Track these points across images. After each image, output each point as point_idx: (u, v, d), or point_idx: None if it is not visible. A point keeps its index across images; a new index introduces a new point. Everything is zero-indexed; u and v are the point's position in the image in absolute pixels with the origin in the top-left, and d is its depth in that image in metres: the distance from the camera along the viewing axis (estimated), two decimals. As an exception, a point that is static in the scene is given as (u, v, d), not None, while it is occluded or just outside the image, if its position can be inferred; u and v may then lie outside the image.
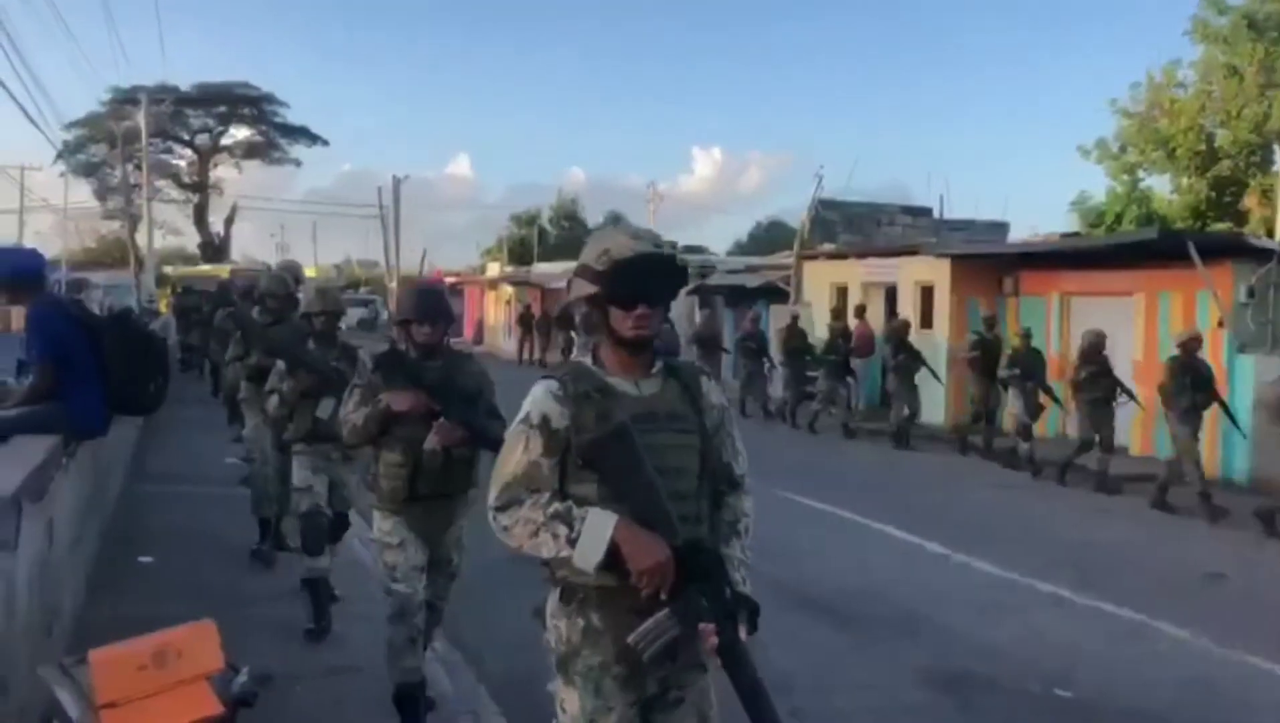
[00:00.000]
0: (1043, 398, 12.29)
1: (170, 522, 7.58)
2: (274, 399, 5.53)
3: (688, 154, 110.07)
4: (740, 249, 45.07)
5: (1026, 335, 12.59)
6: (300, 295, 6.88)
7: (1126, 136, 22.38)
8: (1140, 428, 12.77)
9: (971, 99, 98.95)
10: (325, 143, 53.33)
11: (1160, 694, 5.11)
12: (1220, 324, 11.91)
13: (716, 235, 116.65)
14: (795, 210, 22.85)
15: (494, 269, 41.32)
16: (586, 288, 2.35)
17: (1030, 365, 12.15)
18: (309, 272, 19.35)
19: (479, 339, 36.28)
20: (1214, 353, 11.37)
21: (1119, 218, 22.13)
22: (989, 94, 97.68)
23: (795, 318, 17.17)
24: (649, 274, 2.31)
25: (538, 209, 53.94)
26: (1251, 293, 12.14)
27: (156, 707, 3.04)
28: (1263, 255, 12.24)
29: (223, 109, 50.93)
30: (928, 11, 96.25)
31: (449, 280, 38.53)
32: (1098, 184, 24.03)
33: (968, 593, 6.91)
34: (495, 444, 2.71)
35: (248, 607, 5.45)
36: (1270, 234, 15.14)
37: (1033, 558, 7.70)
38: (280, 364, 5.57)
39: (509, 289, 35.22)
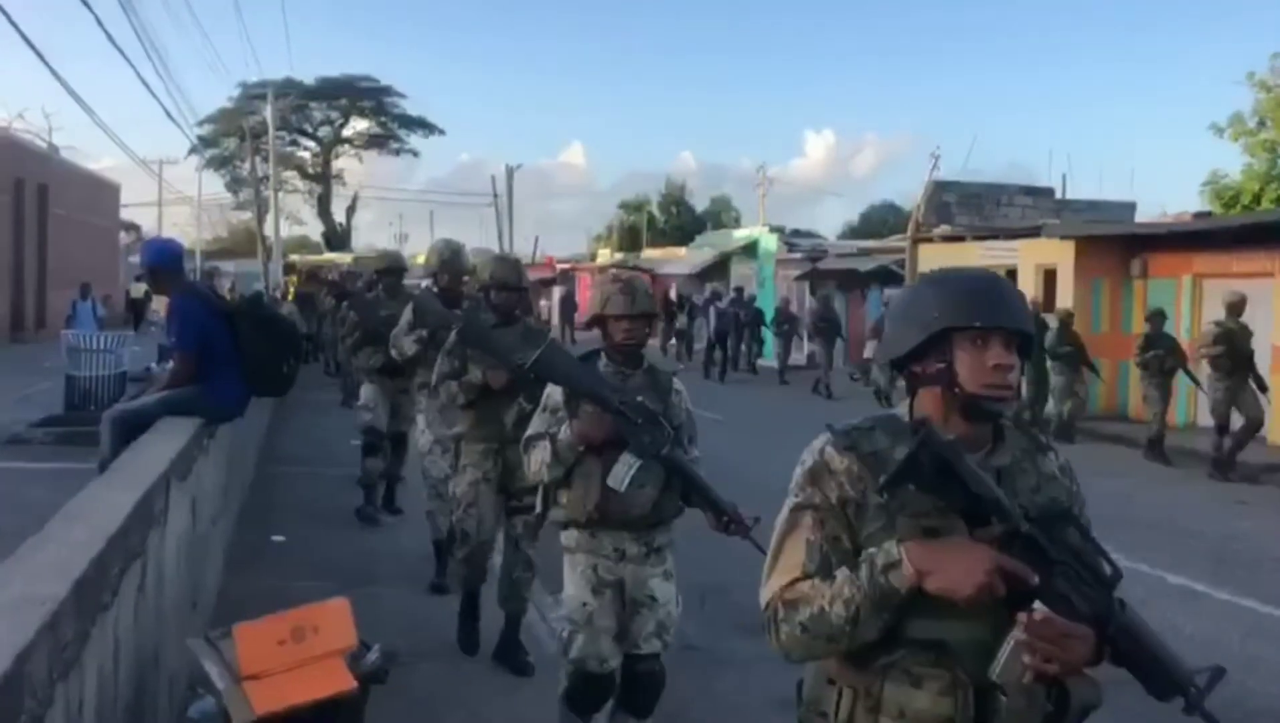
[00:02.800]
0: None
1: (300, 501, 7.91)
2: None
3: (800, 137, 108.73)
4: (852, 233, 44.32)
5: (1158, 317, 12.01)
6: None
7: (1264, 111, 21.16)
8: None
9: (1095, 76, 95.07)
10: (442, 132, 54.56)
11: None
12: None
13: (828, 219, 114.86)
14: (909, 193, 22.43)
15: (604, 256, 41.62)
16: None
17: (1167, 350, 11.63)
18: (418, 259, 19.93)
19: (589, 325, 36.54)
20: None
21: (1257, 197, 20.95)
22: (1114, 70, 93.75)
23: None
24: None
25: (646, 196, 54.05)
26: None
27: (295, 680, 3.18)
28: None
29: (344, 102, 52.49)
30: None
31: (561, 267, 38.92)
32: (1231, 162, 22.76)
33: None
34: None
35: (375, 585, 5.65)
36: None
37: (1164, 549, 7.41)
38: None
39: (621, 275, 35.42)
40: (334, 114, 53.37)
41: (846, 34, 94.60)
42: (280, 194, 39.94)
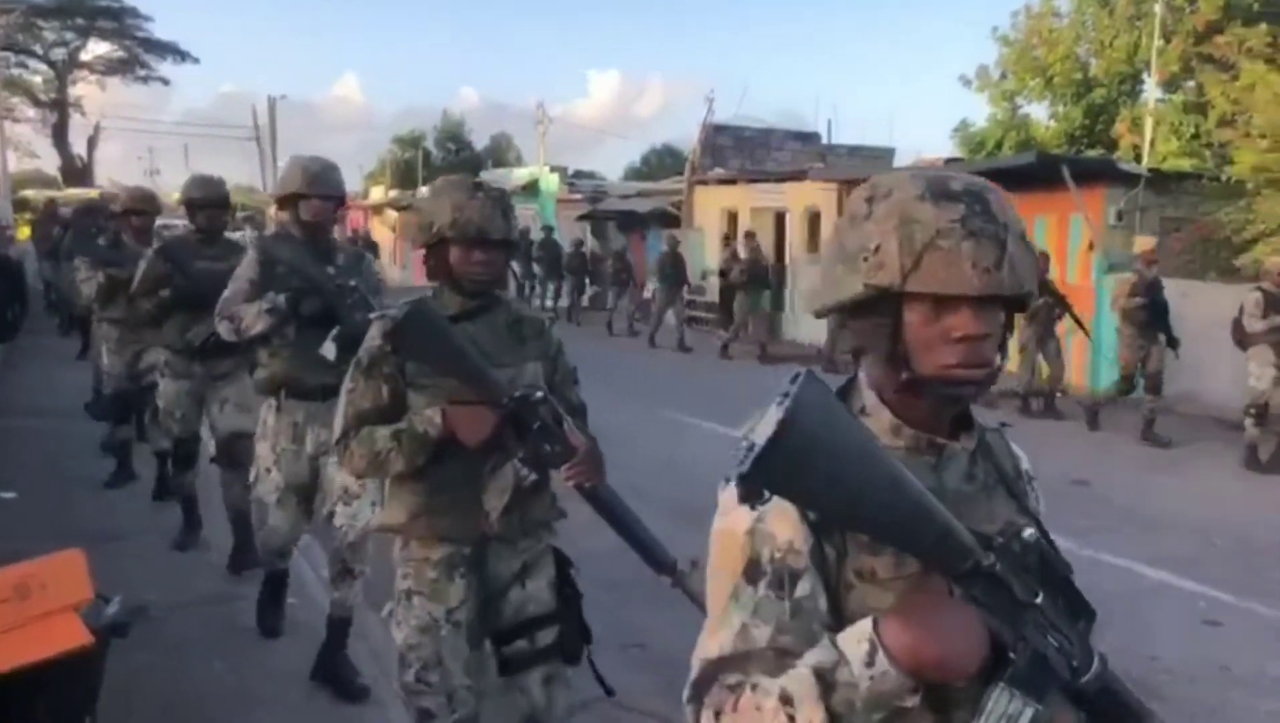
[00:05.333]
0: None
1: (32, 456, 7.22)
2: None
3: (584, 77, 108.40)
4: (634, 175, 44.76)
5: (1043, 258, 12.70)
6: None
7: (1007, 64, 22.82)
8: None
9: (860, 26, 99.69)
10: (196, 60, 50.69)
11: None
12: (1091, 246, 12.39)
13: (612, 161, 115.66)
14: (690, 136, 22.76)
15: (377, 193, 40.16)
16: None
17: None
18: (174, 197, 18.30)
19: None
20: (1084, 273, 11.83)
21: (999, 144, 22.65)
22: (878, 21, 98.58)
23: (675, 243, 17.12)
24: None
25: (422, 131, 52.45)
26: (1120, 216, 12.63)
27: (21, 639, 2.88)
28: (1131, 180, 12.73)
29: (80, 21, 47.76)
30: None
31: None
32: (981, 112, 24.47)
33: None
34: None
35: (122, 540, 5.25)
36: (1139, 160, 15.72)
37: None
38: None
39: (393, 214, 34.31)
40: (69, 35, 48.48)
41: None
42: (7, 123, 36.01)
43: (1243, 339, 8.65)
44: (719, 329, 17.46)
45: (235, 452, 4.84)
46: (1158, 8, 17.09)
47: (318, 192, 3.82)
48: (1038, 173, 12.65)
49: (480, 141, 53.66)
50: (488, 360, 2.51)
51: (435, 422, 2.46)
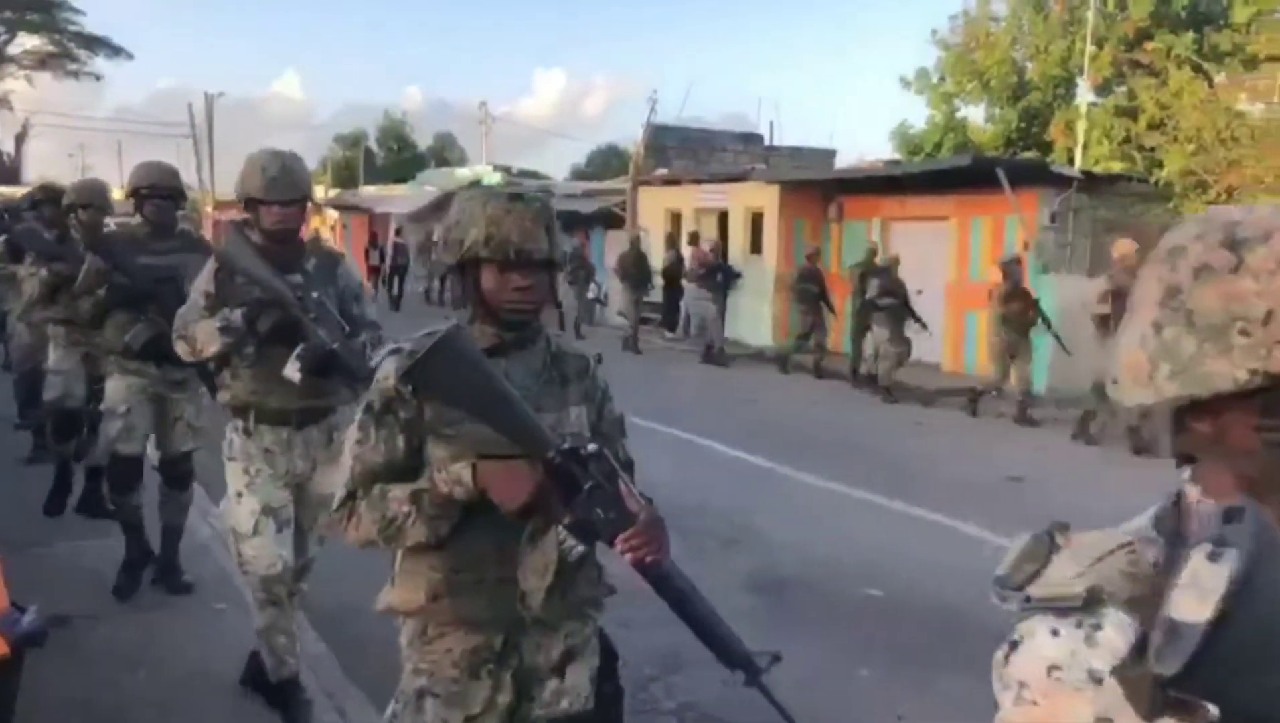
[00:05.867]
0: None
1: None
2: None
3: (529, 76, 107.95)
4: (579, 175, 44.65)
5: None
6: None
7: (945, 68, 23.22)
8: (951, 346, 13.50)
9: (804, 29, 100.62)
10: (129, 56, 49.53)
11: (956, 587, 5.46)
12: (1026, 247, 12.61)
13: (557, 161, 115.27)
14: (634, 136, 22.77)
15: (318, 193, 39.60)
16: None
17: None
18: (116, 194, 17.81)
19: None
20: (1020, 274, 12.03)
21: (938, 146, 23.03)
22: (821, 24, 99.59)
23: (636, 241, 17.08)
24: None
25: (363, 129, 51.84)
26: (1054, 218, 12.90)
27: (-72, 651, 2.79)
28: (1065, 182, 13.00)
29: (7, 14, 46.44)
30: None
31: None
32: (920, 114, 24.86)
33: (789, 503, 7.18)
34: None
35: (42, 546, 5.11)
36: (1072, 162, 16.07)
37: (851, 469, 8.05)
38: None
39: (334, 214, 33.88)
40: (-3, 28, 47.16)
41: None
42: (-69, 117, 34.90)
43: None
44: (664, 329, 17.51)
45: (181, 472, 4.62)
46: (1090, 14, 17.46)
47: (277, 197, 3.39)
48: (974, 175, 12.87)
49: (424, 141, 53.20)
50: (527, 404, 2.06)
51: (464, 480, 2.00)
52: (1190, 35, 16.67)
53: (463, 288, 2.16)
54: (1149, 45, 16.93)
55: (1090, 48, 17.49)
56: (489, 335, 2.13)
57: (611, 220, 20.98)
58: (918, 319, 12.09)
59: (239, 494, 3.45)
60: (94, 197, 5.61)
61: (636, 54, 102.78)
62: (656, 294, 17.52)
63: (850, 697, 4.20)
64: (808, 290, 13.56)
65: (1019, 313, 10.32)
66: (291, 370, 3.21)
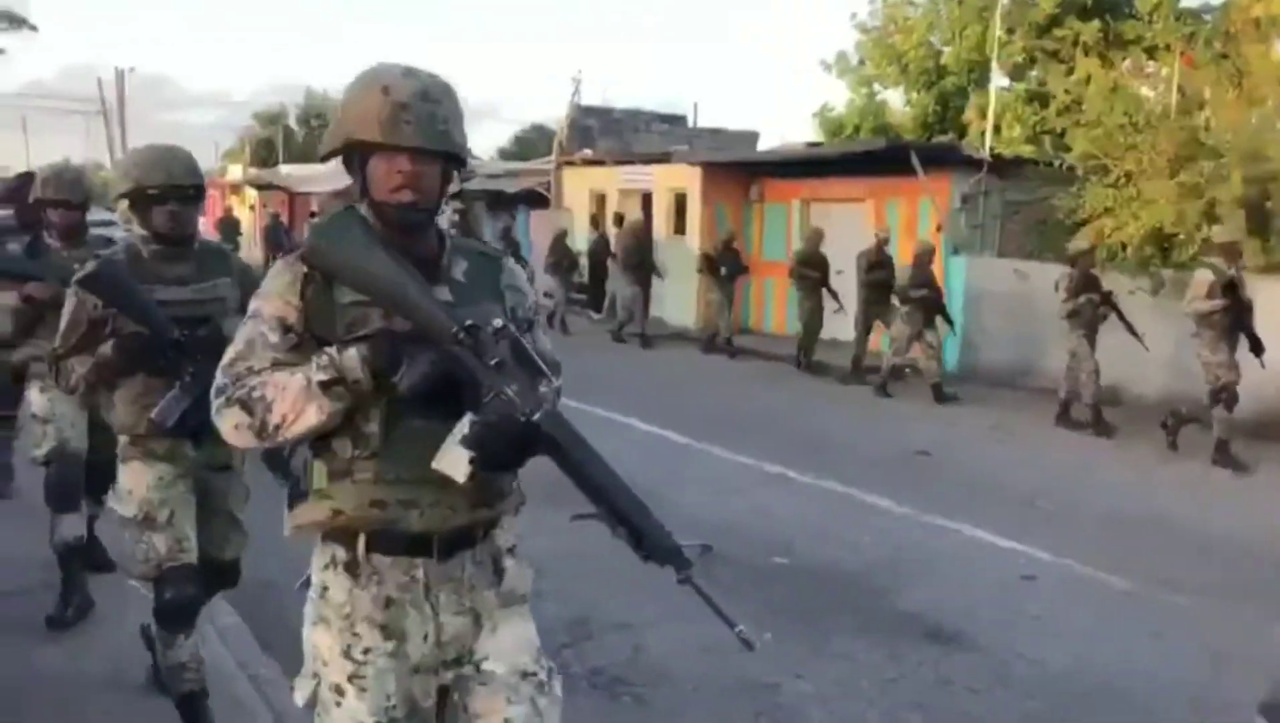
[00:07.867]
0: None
1: None
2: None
3: (459, 56, 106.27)
4: (505, 155, 44.33)
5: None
6: None
7: (865, 51, 23.57)
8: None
9: (728, 11, 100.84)
10: (33, 28, 47.44)
11: (856, 555, 5.71)
12: (939, 228, 12.98)
13: (484, 140, 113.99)
14: (560, 117, 22.74)
15: (236, 171, 38.72)
16: None
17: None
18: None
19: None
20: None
21: (857, 129, 23.39)
22: (746, 5, 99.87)
23: (564, 232, 17.11)
24: None
25: (282, 106, 50.73)
26: (965, 200, 13.28)
27: None
28: (976, 165, 13.37)
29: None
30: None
31: (188, 183, 35.58)
32: (841, 97, 25.22)
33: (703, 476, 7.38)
34: None
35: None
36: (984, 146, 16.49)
37: (765, 444, 8.27)
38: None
39: (253, 192, 33.19)
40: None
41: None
42: None
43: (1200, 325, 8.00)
44: (590, 310, 17.59)
45: (228, 584, 3.49)
46: (1002, 0, 17.90)
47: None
48: (889, 157, 13.17)
49: (346, 119, 52.17)
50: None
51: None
52: (1096, 23, 17.18)
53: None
54: (1057, 32, 17.42)
55: (1001, 34, 17.91)
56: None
57: (536, 200, 20.97)
58: (835, 297, 12.41)
59: (336, 703, 1.96)
60: (70, 191, 4.15)
61: (563, 36, 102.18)
62: (582, 273, 17.60)
63: (754, 657, 4.37)
64: (808, 277, 12.51)
65: (926, 300, 10.62)
66: (454, 461, 1.86)
